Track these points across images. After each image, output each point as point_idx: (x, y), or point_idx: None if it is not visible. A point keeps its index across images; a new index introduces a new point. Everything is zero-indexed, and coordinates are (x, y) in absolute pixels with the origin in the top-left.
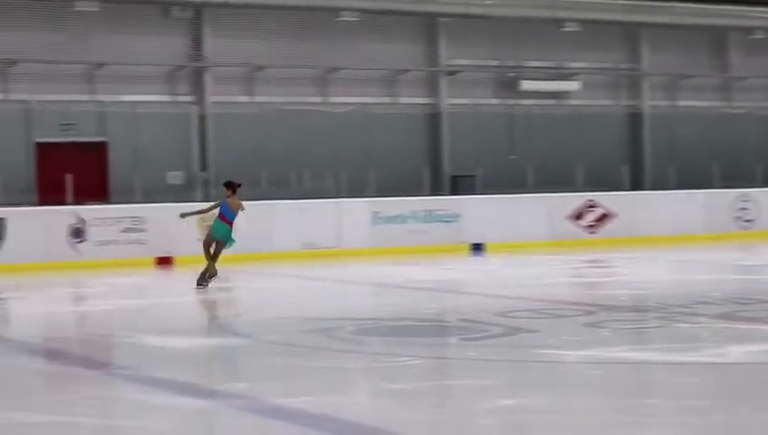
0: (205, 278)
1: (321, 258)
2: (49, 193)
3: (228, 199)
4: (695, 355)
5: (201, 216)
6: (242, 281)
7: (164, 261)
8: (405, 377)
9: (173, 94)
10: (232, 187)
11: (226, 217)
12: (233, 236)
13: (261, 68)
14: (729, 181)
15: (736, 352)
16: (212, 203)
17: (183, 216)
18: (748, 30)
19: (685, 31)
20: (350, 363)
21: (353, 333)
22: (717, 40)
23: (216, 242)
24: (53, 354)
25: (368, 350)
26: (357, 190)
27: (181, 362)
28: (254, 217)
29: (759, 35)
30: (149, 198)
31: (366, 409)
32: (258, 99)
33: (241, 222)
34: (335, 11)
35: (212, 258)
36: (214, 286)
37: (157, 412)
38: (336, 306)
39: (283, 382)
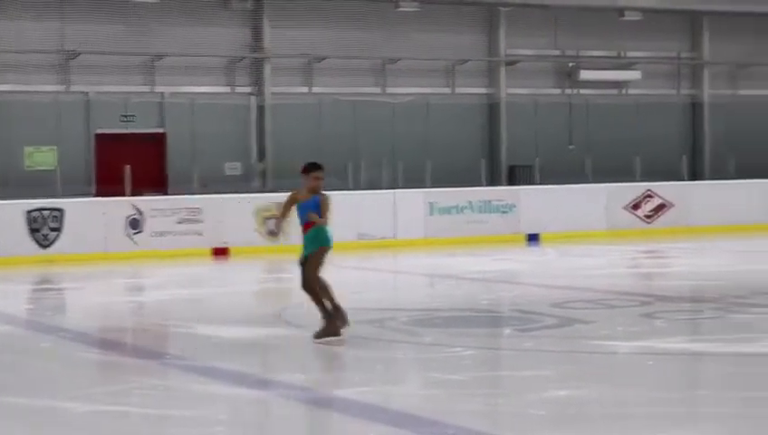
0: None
1: (376, 249)
2: (107, 184)
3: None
4: (751, 346)
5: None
6: (297, 272)
7: (220, 251)
8: (458, 368)
9: (232, 85)
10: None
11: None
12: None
13: (319, 59)
14: None
15: None
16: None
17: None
18: None
19: (746, 18)
20: (403, 354)
21: (406, 324)
22: None
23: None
24: (109, 344)
25: (421, 341)
26: (413, 181)
27: (236, 353)
28: None
29: None
30: (207, 188)
31: (418, 399)
32: (316, 89)
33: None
34: (394, 1)
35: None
36: (270, 277)
37: (212, 402)
38: (390, 297)
39: (336, 373)
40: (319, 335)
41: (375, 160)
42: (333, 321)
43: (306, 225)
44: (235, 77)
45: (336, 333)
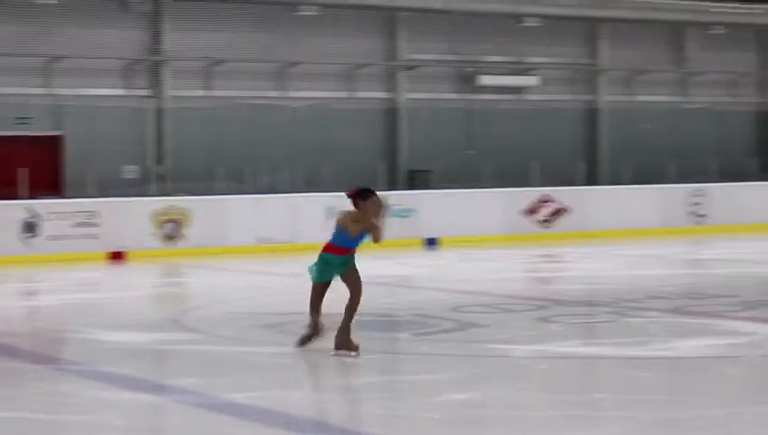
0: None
1: (275, 253)
2: (2, 187)
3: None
4: (644, 350)
5: None
6: (195, 276)
7: (117, 256)
8: (356, 372)
9: (130, 88)
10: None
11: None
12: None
13: (219, 62)
14: (684, 176)
15: (686, 347)
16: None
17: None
18: (706, 25)
19: (642, 26)
20: (302, 358)
21: (305, 328)
22: (675, 35)
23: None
24: (2, 349)
25: (319, 345)
26: (313, 185)
27: (132, 358)
28: (208, 212)
29: (716, 30)
30: (104, 192)
31: (316, 404)
32: (216, 93)
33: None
34: (294, 5)
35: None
36: (167, 281)
37: (106, 408)
38: (289, 301)
39: (233, 378)
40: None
41: (275, 164)
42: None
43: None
44: (133, 80)
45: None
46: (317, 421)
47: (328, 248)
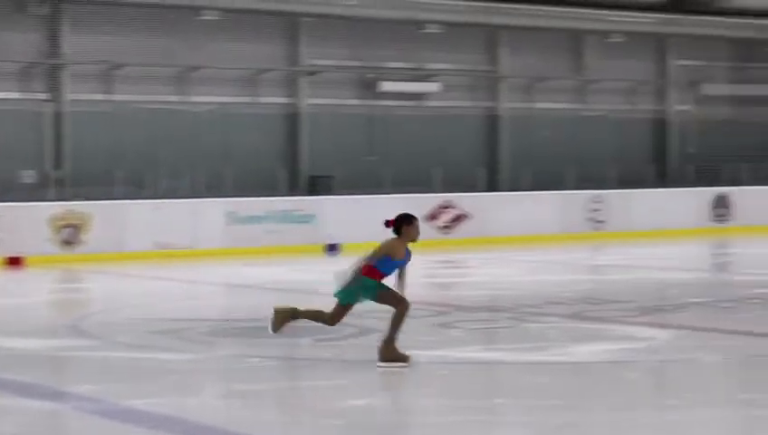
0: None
1: (175, 259)
2: None
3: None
4: (544, 355)
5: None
6: (94, 281)
7: (14, 261)
8: (256, 378)
9: (28, 92)
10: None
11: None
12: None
13: (119, 66)
14: (583, 183)
15: (584, 352)
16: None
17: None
18: (604, 33)
19: (542, 34)
20: (200, 364)
21: (204, 334)
22: (574, 43)
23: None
24: None
25: (218, 351)
26: (213, 190)
27: (29, 364)
28: (107, 217)
29: (614, 39)
30: (2, 196)
31: (215, 410)
32: (116, 97)
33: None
34: (195, 9)
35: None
36: (65, 287)
37: (3, 415)
38: (188, 307)
39: (131, 384)
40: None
41: (175, 169)
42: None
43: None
44: (31, 83)
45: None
46: (216, 428)
47: (372, 273)
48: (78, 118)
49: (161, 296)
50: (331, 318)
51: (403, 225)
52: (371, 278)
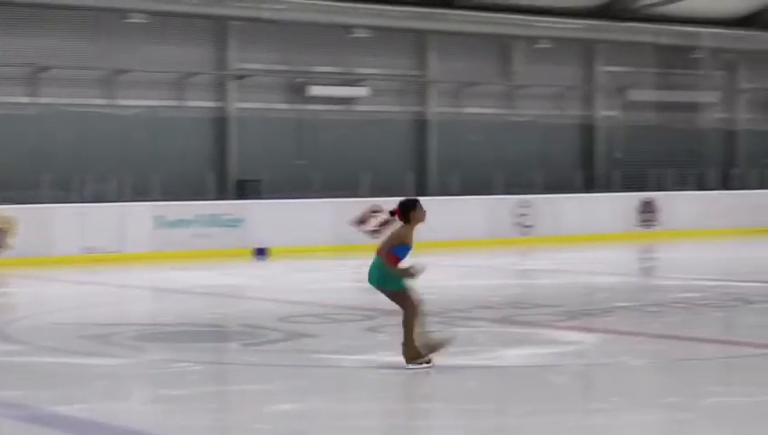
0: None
1: (102, 263)
2: None
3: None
4: (472, 359)
5: None
6: (20, 286)
7: None
8: (184, 383)
9: None
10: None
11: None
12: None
13: (45, 68)
14: (511, 188)
15: (512, 356)
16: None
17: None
18: (532, 39)
19: (471, 39)
20: (128, 369)
21: (132, 339)
22: (502, 48)
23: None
24: None
25: (146, 356)
26: (141, 194)
27: None
28: (34, 221)
29: (542, 45)
30: None
31: (143, 415)
32: (42, 100)
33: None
34: (123, 12)
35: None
36: None
37: None
38: (116, 312)
39: (58, 389)
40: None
41: (102, 173)
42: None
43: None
44: None
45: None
46: (143, 433)
47: (390, 259)
48: (3, 121)
49: (89, 301)
50: (412, 310)
51: (410, 211)
52: (382, 259)
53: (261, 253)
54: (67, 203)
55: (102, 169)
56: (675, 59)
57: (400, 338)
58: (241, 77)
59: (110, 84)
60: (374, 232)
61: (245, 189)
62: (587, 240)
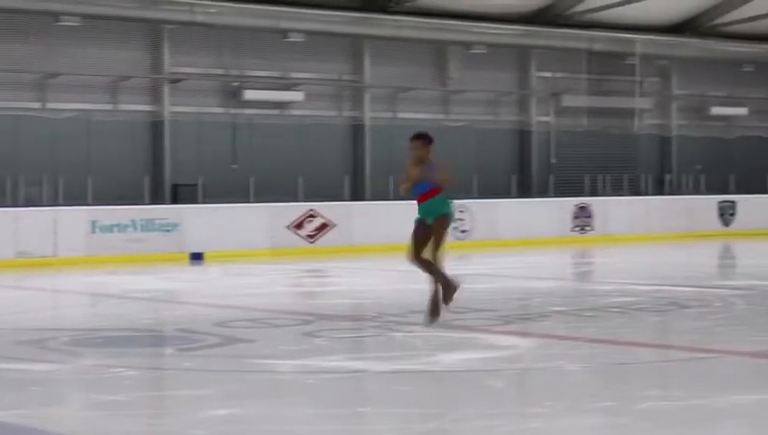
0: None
1: (35, 268)
2: None
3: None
4: (408, 363)
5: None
6: None
7: None
8: (119, 388)
9: None
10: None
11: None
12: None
13: None
14: (447, 192)
15: (447, 361)
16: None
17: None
18: (467, 44)
19: (406, 44)
20: (63, 375)
21: (67, 344)
22: (438, 53)
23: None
24: None
25: (81, 361)
26: (75, 198)
27: None
28: None
29: (477, 50)
30: None
31: (77, 421)
32: None
33: None
34: (55, 15)
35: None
36: None
37: None
38: (50, 317)
39: None
40: (446, 300)
41: (35, 177)
42: (448, 280)
43: (421, 196)
44: None
45: (456, 286)
46: None
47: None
48: None
49: (23, 306)
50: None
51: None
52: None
53: (197, 257)
54: (0, 207)
55: (36, 173)
56: (609, 65)
57: (339, 342)
58: (175, 81)
59: (43, 87)
60: (311, 236)
61: (181, 194)
62: (522, 245)
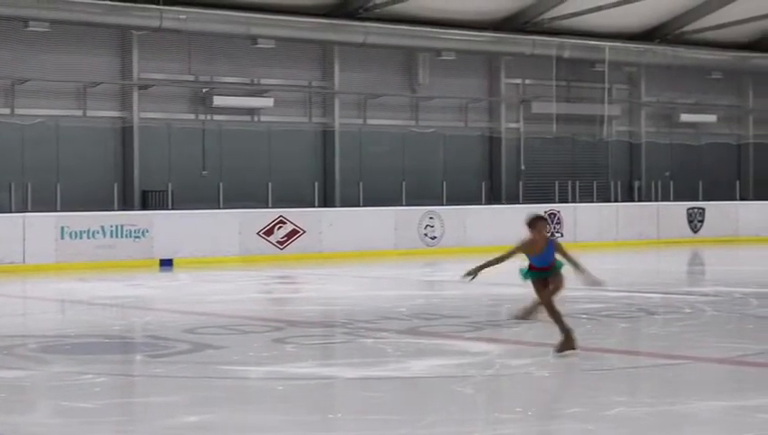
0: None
1: (4, 274)
2: None
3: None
4: (379, 370)
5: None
6: None
7: None
8: (88, 395)
9: None
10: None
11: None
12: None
13: None
14: (417, 199)
15: (419, 367)
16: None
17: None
18: (437, 51)
19: (375, 50)
20: (31, 382)
21: (35, 351)
22: (407, 60)
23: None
24: None
25: (50, 368)
26: (44, 205)
27: None
28: None
29: (446, 57)
30: None
31: (46, 428)
32: None
33: None
34: (24, 20)
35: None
36: None
37: None
38: (19, 323)
39: None
40: (560, 349)
41: (3, 183)
42: (570, 336)
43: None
44: None
45: (573, 347)
46: None
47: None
48: None
49: None
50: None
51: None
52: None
53: (167, 264)
54: None
55: (4, 179)
56: (578, 72)
57: (309, 349)
58: (145, 87)
59: (11, 93)
60: (280, 243)
61: (150, 200)
62: (492, 251)
